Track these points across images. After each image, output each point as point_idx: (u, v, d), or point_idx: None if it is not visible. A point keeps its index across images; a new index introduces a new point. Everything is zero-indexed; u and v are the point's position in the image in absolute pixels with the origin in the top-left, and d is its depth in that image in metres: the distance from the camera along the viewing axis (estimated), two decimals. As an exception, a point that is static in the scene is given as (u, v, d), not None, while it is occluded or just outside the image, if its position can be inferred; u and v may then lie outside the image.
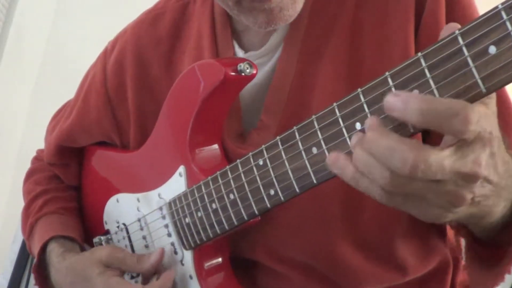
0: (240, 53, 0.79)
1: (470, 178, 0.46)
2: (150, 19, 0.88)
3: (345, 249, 0.71)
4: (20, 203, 0.98)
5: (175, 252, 0.77)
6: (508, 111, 0.70)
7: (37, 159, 1.06)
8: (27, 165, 1.05)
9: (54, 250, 0.85)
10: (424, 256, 0.74)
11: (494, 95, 0.47)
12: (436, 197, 0.47)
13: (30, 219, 0.93)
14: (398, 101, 0.45)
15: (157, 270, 0.78)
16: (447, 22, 0.68)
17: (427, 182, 0.45)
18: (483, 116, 0.44)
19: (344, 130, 0.52)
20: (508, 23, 0.41)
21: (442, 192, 0.46)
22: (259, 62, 0.76)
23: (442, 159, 0.44)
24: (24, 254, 1.52)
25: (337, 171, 0.50)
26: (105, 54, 0.92)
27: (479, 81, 0.43)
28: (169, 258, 0.78)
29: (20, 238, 1.52)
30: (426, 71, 0.45)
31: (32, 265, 1.05)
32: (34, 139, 1.18)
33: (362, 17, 0.72)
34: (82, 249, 0.88)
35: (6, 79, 2.07)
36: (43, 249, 0.87)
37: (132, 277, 0.82)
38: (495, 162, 0.47)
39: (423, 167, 0.43)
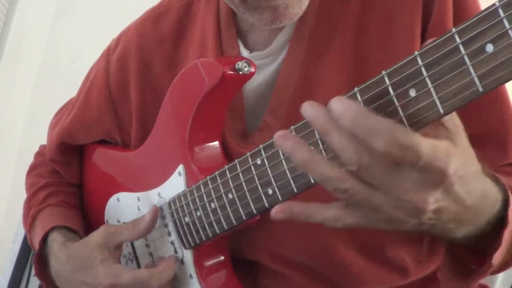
0: (245, 53, 0.78)
1: (415, 210, 0.47)
2: (153, 17, 0.87)
3: (346, 250, 0.71)
4: (21, 204, 0.98)
5: (175, 251, 0.77)
6: (505, 109, 0.69)
7: (40, 154, 1.06)
8: (27, 166, 1.05)
9: (56, 239, 0.84)
10: (425, 258, 0.74)
11: (460, 129, 0.48)
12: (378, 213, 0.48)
13: (32, 210, 0.92)
14: (340, 104, 0.45)
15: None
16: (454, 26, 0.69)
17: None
18: (431, 153, 0.44)
19: None
20: (505, 21, 0.40)
21: (383, 211, 0.48)
22: (264, 63, 0.76)
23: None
24: (24, 254, 1.52)
25: (286, 149, 0.49)
26: (108, 51, 0.92)
27: (476, 80, 0.42)
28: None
29: (20, 238, 1.52)
30: (423, 69, 0.45)
31: (32, 265, 1.05)
32: (34, 140, 1.17)
33: (368, 18, 0.72)
34: None
35: (6, 79, 2.07)
36: (44, 239, 0.86)
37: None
38: (456, 196, 0.47)
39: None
